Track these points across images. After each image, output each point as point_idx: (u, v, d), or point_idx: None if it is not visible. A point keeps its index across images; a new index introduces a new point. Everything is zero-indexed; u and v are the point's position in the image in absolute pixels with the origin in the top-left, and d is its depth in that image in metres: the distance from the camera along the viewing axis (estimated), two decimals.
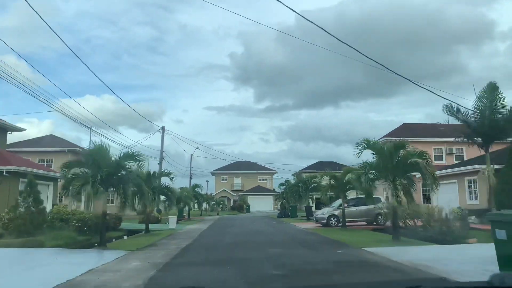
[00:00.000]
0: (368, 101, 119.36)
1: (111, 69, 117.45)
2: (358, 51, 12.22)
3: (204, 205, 54.01)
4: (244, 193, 70.27)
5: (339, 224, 22.46)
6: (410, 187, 14.89)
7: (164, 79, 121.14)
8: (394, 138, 23.80)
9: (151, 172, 21.12)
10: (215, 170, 75.50)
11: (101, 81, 41.25)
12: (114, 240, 18.49)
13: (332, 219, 23.05)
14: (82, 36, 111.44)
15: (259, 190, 71.32)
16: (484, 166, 23.19)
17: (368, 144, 15.85)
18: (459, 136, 19.12)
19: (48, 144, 40.63)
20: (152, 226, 23.56)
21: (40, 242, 13.28)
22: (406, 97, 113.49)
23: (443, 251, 11.57)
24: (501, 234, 6.54)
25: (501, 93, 17.22)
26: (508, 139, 19.82)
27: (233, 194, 72.74)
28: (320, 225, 23.73)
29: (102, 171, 12.35)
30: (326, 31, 11.89)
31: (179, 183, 53.38)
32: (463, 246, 12.76)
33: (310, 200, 35.63)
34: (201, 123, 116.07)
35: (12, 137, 34.57)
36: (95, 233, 16.81)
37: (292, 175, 59.19)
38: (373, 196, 18.61)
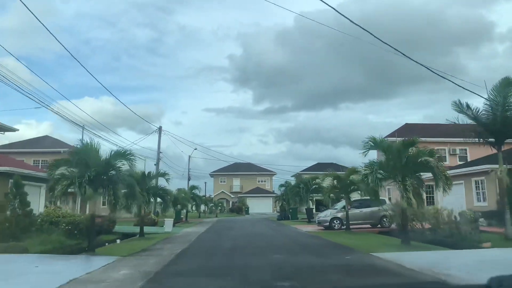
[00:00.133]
0: (367, 102, 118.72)
1: (110, 71, 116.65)
2: (373, 35, 11.36)
3: (203, 207, 53.05)
4: (243, 195, 69.27)
5: (343, 227, 21.55)
6: (419, 187, 14.00)
7: (163, 80, 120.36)
8: (395, 139, 22.94)
9: (146, 173, 20.13)
10: (213, 172, 74.52)
11: (99, 82, 40.49)
12: (107, 244, 17.55)
13: (335, 221, 22.14)
14: (82, 37, 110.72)
15: (258, 191, 70.34)
16: (493, 166, 22.39)
17: (375, 142, 14.96)
18: (469, 134, 18.19)
19: (44, 145, 39.72)
20: (147, 229, 22.61)
21: (23, 247, 12.31)
22: (405, 98, 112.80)
23: (459, 257, 10.63)
24: None
25: None
26: None
27: (232, 196, 71.74)
28: (322, 227, 22.82)
29: (90, 170, 11.42)
30: (349, 19, 11.05)
31: (177, 184, 52.42)
32: (479, 251, 11.86)
33: (310, 202, 34.71)
34: (200, 125, 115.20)
35: (6, 138, 33.84)
36: (86, 237, 15.88)
37: (292, 176, 58.21)
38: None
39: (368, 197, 21.73)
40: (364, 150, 14.64)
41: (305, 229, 23.36)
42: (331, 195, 25.26)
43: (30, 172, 22.34)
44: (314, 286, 7.14)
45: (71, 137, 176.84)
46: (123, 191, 15.99)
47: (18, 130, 34.36)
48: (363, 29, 10.87)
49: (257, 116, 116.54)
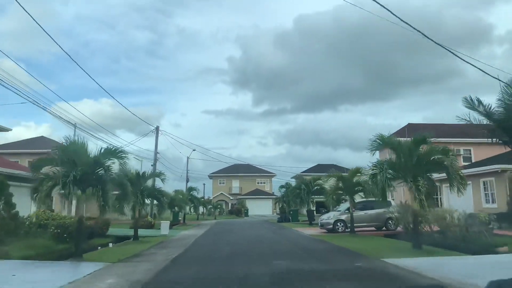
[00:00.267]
0: (366, 104, 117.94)
1: (109, 73, 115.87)
2: (395, 15, 10.45)
3: (201, 209, 52.07)
4: (242, 196, 68.25)
5: (347, 230, 20.60)
6: (431, 188, 13.07)
7: (162, 82, 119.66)
8: (403, 138, 22.03)
9: (141, 173, 19.16)
10: (212, 173, 73.51)
11: (97, 83, 39.62)
12: (99, 248, 16.61)
13: (339, 224, 21.18)
14: (81, 40, 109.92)
15: (258, 193, 69.32)
16: (504, 166, 21.51)
17: (383, 140, 14.05)
18: (481, 133, 17.27)
19: (39, 146, 38.78)
20: (143, 232, 21.68)
21: (4, 252, 11.34)
22: (404, 100, 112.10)
23: (482, 264, 9.66)
24: None
25: None
26: None
27: (231, 198, 70.70)
28: (325, 230, 21.87)
29: (77, 169, 10.46)
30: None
31: (176, 186, 51.53)
32: (500, 257, 10.98)
33: (311, 204, 33.77)
34: (199, 127, 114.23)
35: (2, 139, 33.15)
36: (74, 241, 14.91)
37: (292, 178, 57.28)
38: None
39: (372, 199, 20.86)
40: (372, 148, 13.73)
41: (307, 232, 22.41)
42: (334, 196, 24.33)
43: (20, 172, 21.36)
44: None
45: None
46: (115, 192, 15.10)
47: (11, 130, 33.59)
48: (385, 7, 9.97)
49: (256, 118, 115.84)
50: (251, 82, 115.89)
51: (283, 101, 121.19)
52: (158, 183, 23.10)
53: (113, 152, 11.73)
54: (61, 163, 10.87)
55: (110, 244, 17.59)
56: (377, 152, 19.85)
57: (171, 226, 26.16)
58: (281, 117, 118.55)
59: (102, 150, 11.70)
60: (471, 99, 16.82)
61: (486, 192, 23.58)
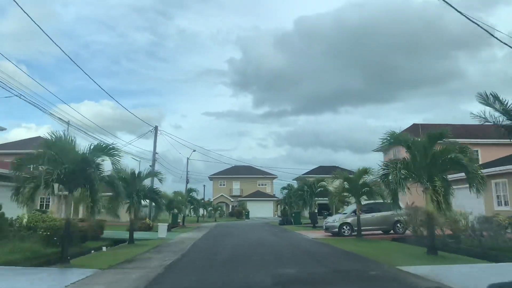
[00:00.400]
0: (366, 106, 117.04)
1: (110, 74, 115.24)
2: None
3: (201, 211, 51.05)
4: (243, 198, 67.22)
5: (353, 233, 19.62)
6: (448, 189, 12.13)
7: (162, 84, 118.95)
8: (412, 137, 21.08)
9: (137, 172, 18.21)
10: (212, 175, 72.52)
11: (98, 84, 38.43)
12: (93, 251, 15.67)
13: (345, 227, 20.18)
14: (81, 41, 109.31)
15: (259, 195, 68.30)
16: None
17: (394, 138, 13.12)
18: (498, 130, 16.32)
19: (35, 146, 37.98)
20: (140, 234, 20.71)
21: None
22: (405, 102, 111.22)
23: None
24: None
25: None
26: None
27: (232, 200, 69.65)
28: (330, 234, 20.90)
29: (62, 168, 9.53)
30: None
31: (176, 188, 50.55)
32: None
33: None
34: (200, 129, 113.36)
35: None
36: (68, 244, 13.97)
37: (294, 179, 56.27)
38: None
39: (379, 201, 19.93)
40: (383, 145, 12.81)
41: (311, 235, 21.43)
42: (339, 198, 23.37)
43: (4, 171, 20.41)
44: None
45: None
46: (108, 194, 14.15)
47: (5, 129, 32.95)
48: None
49: (257, 120, 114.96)
50: (251, 83, 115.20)
51: (283, 103, 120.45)
52: (157, 184, 22.24)
53: (103, 149, 10.79)
54: (46, 161, 9.92)
55: (104, 248, 16.61)
56: (381, 154, 19.01)
57: (170, 229, 25.23)
58: (281, 119, 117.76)
59: (91, 147, 10.76)
60: (486, 95, 15.87)
61: (498, 194, 22.58)
